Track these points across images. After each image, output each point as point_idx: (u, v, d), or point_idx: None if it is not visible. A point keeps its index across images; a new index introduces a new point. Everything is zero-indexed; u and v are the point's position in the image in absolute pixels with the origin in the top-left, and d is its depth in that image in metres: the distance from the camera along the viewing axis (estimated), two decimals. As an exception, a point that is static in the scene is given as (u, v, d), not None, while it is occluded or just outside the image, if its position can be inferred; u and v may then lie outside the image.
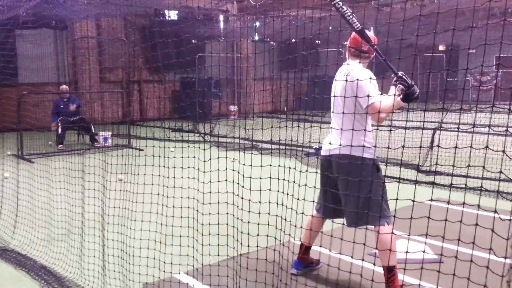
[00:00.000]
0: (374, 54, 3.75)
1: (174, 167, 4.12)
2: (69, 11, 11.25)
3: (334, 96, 3.79)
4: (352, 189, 3.52)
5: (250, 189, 3.50)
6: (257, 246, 3.54)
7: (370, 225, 3.58)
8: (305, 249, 4.12)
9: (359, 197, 3.51)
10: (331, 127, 3.75)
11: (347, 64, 3.84)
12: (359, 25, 3.48)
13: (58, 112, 11.79)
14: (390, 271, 3.60)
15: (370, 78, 3.54)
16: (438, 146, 2.89)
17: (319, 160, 3.91)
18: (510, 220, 2.39)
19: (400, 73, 3.52)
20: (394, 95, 3.50)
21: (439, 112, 12.61)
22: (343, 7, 3.43)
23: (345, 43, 3.96)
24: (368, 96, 3.45)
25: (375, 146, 3.63)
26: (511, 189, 6.61)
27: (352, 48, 3.85)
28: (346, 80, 3.61)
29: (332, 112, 3.84)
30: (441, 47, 22.50)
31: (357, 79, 3.49)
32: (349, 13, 3.47)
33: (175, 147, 4.46)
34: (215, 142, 11.81)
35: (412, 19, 2.89)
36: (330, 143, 3.74)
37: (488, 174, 6.29)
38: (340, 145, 3.63)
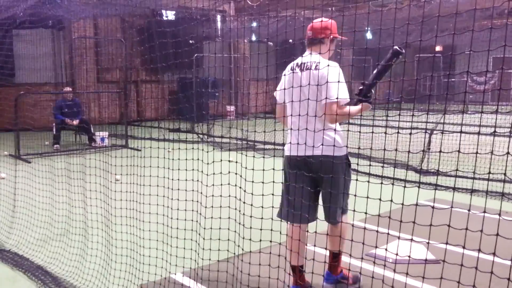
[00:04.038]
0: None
1: (178, 169, 4.11)
2: (67, 11, 11.24)
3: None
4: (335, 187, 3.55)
5: (252, 182, 3.50)
6: (260, 241, 3.53)
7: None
8: (299, 270, 3.76)
9: (339, 193, 3.60)
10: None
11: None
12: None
13: (61, 113, 11.71)
14: (336, 256, 3.78)
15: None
16: (440, 151, 2.88)
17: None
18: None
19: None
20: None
21: (436, 113, 12.64)
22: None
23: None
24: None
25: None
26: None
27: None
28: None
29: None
30: (438, 48, 22.54)
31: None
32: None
33: (173, 149, 4.46)
34: (212, 142, 11.81)
35: (408, 19, 2.89)
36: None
37: (478, 175, 6.37)
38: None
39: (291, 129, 3.70)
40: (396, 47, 3.43)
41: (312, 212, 3.73)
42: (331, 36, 3.70)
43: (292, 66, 3.74)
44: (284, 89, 3.67)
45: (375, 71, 3.54)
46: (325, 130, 3.50)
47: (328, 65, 3.45)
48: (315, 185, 3.70)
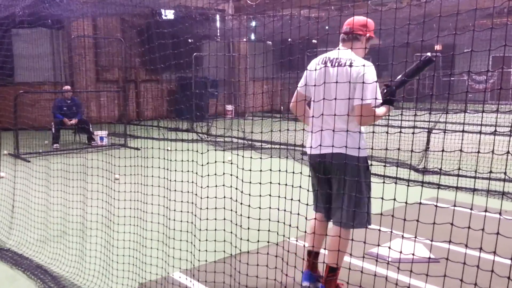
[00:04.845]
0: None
1: (175, 170, 4.11)
2: (66, 10, 11.22)
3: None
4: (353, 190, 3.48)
5: (249, 182, 3.50)
6: (257, 241, 3.53)
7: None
8: (314, 256, 3.80)
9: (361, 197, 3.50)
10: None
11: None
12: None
13: (60, 113, 11.73)
14: (333, 271, 3.60)
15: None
16: (443, 150, 2.85)
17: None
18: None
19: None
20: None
21: (435, 112, 12.64)
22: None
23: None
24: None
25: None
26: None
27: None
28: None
29: None
30: (437, 47, 22.53)
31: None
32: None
33: (171, 149, 4.45)
34: (212, 141, 11.81)
35: (407, 18, 2.88)
36: None
37: (479, 174, 6.38)
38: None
39: (311, 128, 3.61)
40: (429, 54, 3.42)
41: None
42: (368, 35, 3.60)
43: (323, 60, 3.58)
44: (305, 85, 3.65)
45: (401, 75, 3.52)
46: (349, 131, 3.38)
47: (364, 64, 3.33)
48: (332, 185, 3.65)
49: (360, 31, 3.56)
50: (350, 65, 3.38)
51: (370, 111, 3.29)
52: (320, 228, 3.73)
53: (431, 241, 2.72)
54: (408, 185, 2.81)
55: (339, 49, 3.60)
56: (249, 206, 3.47)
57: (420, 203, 2.66)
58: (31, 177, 5.92)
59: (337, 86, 3.32)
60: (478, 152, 2.59)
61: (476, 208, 2.63)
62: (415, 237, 2.77)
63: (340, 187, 3.49)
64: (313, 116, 3.56)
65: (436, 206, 2.62)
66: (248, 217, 3.50)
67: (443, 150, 2.77)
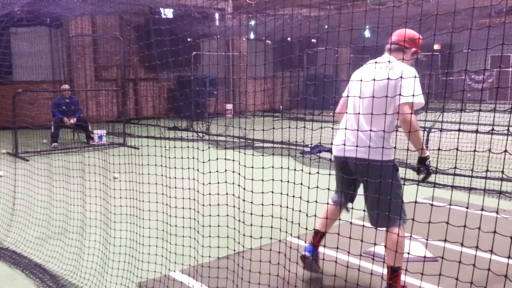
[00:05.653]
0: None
1: (174, 167, 4.11)
2: (64, 8, 11.22)
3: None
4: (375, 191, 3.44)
5: (252, 180, 3.50)
6: (260, 238, 3.54)
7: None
8: (320, 236, 3.95)
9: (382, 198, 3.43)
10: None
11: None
12: None
13: (59, 111, 11.74)
14: (394, 272, 3.55)
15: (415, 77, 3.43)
16: (439, 149, 2.86)
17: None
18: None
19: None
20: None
21: (434, 111, 12.65)
22: None
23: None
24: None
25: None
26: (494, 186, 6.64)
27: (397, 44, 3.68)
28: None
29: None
30: (436, 46, 22.54)
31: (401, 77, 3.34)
32: None
33: (170, 147, 4.45)
34: (211, 140, 11.81)
35: (406, 18, 2.89)
36: None
37: (475, 174, 6.39)
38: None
39: (340, 127, 3.69)
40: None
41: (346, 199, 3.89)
42: (413, 49, 3.68)
43: (367, 64, 3.73)
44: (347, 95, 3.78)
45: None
46: (377, 133, 3.42)
47: (403, 70, 3.34)
48: (354, 182, 3.76)
49: (407, 44, 3.64)
50: (391, 68, 3.43)
51: (409, 109, 3.29)
52: (332, 214, 3.92)
53: (427, 240, 2.73)
54: (403, 184, 2.82)
55: (388, 56, 3.65)
56: (251, 203, 3.47)
57: (416, 202, 2.67)
58: (30, 176, 5.93)
59: (374, 85, 3.36)
60: (475, 151, 2.59)
61: (473, 207, 2.64)
62: (411, 236, 2.78)
63: (370, 189, 3.50)
64: (346, 113, 3.68)
65: (431, 205, 2.63)
66: (251, 214, 3.51)
67: (439, 149, 2.78)
